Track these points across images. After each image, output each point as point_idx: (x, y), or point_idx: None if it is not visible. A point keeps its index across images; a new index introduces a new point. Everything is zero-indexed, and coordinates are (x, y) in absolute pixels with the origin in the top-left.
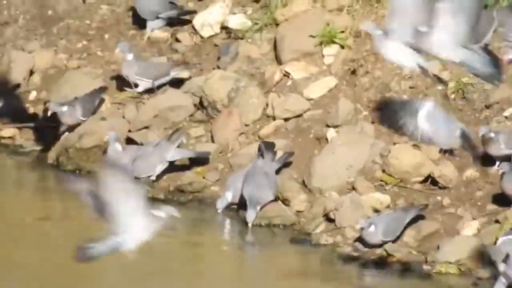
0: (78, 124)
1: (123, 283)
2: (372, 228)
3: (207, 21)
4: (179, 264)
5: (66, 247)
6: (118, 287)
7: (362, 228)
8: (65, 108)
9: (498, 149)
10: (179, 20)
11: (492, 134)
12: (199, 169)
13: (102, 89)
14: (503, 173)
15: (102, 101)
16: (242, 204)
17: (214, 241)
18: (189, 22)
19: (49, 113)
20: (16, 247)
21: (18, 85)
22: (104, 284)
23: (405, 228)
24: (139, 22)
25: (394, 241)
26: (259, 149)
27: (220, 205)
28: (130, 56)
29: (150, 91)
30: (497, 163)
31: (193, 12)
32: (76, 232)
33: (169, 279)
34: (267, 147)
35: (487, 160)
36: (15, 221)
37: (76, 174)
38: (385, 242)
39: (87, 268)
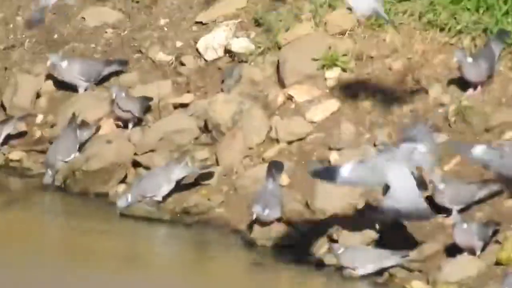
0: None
1: None
2: (441, 186)
3: (210, 45)
4: (186, 281)
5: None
6: None
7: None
8: (64, 64)
9: (442, 201)
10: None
11: (441, 186)
12: (204, 191)
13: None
14: (454, 224)
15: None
16: (249, 224)
17: (221, 261)
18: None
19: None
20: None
21: (25, 109)
22: None
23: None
24: (144, 46)
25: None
26: (269, 169)
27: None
28: (64, 63)
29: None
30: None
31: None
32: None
33: None
34: (277, 167)
35: None
36: (24, 240)
37: (83, 197)
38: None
39: None
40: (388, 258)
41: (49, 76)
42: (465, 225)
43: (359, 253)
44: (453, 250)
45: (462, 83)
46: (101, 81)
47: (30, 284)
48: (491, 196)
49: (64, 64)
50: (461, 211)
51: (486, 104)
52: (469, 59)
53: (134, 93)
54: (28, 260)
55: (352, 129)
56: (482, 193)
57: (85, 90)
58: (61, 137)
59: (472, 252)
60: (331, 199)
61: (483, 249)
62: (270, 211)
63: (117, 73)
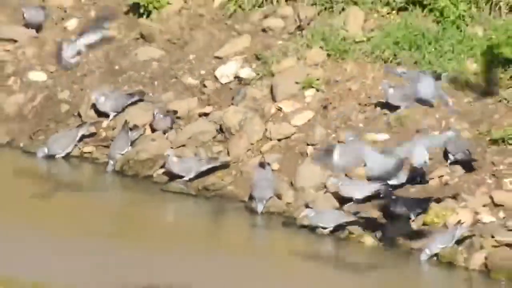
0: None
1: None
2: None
3: (225, 73)
4: (204, 240)
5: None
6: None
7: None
8: (102, 100)
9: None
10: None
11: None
12: (219, 174)
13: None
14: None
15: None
16: (252, 199)
17: (230, 223)
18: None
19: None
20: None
21: (94, 117)
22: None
23: None
24: (178, 74)
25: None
26: (260, 163)
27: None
28: (102, 99)
29: None
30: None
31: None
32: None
33: (195, 249)
34: (265, 161)
35: None
36: (92, 209)
37: (135, 178)
38: None
39: None
40: (345, 217)
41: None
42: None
43: (325, 215)
44: (394, 215)
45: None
46: (145, 97)
47: (95, 237)
48: None
49: (101, 99)
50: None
51: (417, 113)
52: (391, 90)
53: (171, 106)
54: (94, 222)
55: (323, 131)
56: None
57: (114, 117)
58: (118, 136)
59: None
60: (308, 179)
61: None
62: (265, 194)
63: (140, 101)
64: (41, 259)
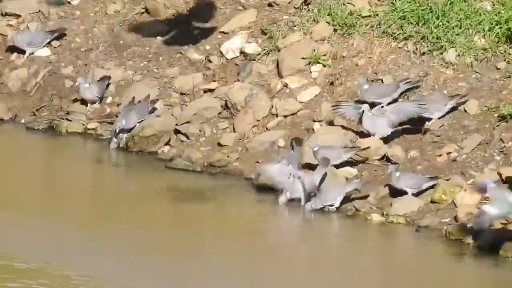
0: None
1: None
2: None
3: (230, 48)
4: (209, 212)
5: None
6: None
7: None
8: (86, 85)
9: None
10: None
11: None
12: (225, 150)
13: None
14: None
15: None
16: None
17: (235, 198)
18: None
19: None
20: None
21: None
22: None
23: None
24: (182, 48)
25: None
26: (291, 143)
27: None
28: (86, 85)
29: None
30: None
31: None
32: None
33: (202, 219)
34: (297, 141)
35: None
36: (97, 182)
37: (139, 154)
38: None
39: None
40: (347, 185)
41: (116, 70)
42: (398, 174)
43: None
44: (399, 193)
45: None
46: (150, 73)
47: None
48: None
49: (85, 85)
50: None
51: (424, 90)
52: (366, 86)
53: (175, 83)
54: (97, 195)
55: (329, 107)
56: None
57: (94, 103)
58: (123, 112)
59: (405, 193)
60: (312, 156)
61: (418, 194)
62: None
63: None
64: (45, 238)
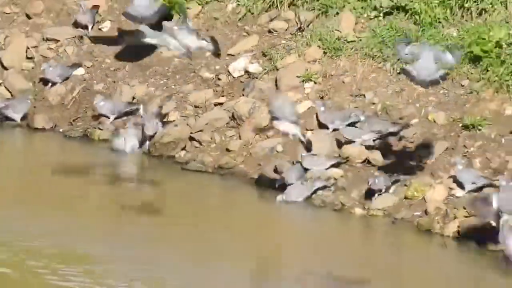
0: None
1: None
2: None
3: (236, 68)
4: (219, 204)
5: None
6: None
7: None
8: (102, 103)
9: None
10: None
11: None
12: (231, 155)
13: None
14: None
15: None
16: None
17: (240, 195)
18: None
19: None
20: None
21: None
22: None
23: None
24: (195, 68)
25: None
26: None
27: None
28: (101, 103)
29: None
30: None
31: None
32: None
33: (208, 215)
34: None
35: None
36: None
37: (159, 158)
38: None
39: None
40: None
41: (140, 86)
42: (322, 108)
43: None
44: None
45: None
46: (168, 89)
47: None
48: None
49: (101, 103)
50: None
51: (400, 104)
52: (322, 108)
53: (190, 97)
54: (130, 191)
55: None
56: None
57: (114, 119)
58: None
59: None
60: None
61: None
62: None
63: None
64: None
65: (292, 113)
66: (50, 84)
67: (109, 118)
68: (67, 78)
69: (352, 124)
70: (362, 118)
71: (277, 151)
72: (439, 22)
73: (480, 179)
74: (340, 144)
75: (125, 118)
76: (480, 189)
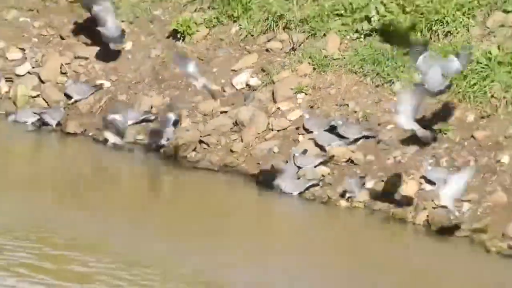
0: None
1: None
2: None
3: (239, 81)
4: (223, 196)
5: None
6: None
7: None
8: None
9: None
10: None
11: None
12: (235, 155)
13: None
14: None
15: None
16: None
17: (241, 189)
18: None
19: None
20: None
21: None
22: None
23: None
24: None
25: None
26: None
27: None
28: (119, 116)
29: None
30: None
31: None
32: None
33: (209, 212)
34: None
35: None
36: (142, 179)
37: (173, 158)
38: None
39: None
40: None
41: (157, 97)
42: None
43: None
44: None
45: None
46: (181, 99)
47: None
48: None
49: (118, 117)
50: None
51: (378, 112)
52: (307, 116)
53: (200, 106)
54: (154, 187)
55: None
56: None
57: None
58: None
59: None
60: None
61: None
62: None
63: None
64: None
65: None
66: (73, 99)
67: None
68: (85, 95)
69: (332, 129)
70: (340, 123)
71: (274, 152)
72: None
73: (446, 176)
74: (320, 147)
75: (143, 124)
76: (445, 183)
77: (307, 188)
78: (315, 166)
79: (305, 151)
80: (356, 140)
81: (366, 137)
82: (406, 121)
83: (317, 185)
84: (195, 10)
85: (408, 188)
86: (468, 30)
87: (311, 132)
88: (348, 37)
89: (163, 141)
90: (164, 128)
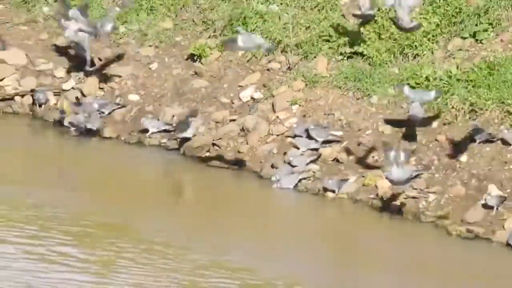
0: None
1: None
2: None
3: (245, 95)
4: (229, 190)
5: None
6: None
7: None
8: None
9: None
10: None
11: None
12: (241, 155)
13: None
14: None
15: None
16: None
17: (246, 183)
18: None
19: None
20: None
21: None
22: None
23: None
24: (217, 96)
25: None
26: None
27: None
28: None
29: None
30: None
31: None
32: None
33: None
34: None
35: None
36: (160, 177)
37: (191, 157)
38: None
39: None
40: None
41: (178, 108)
42: (329, 182)
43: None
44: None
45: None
46: (198, 110)
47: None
48: None
49: (146, 121)
50: None
51: (359, 120)
52: (295, 123)
53: (212, 116)
54: (159, 187)
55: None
56: None
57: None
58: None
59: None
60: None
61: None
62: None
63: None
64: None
65: None
66: (97, 112)
67: (149, 131)
68: (105, 110)
69: (309, 133)
70: (311, 127)
71: (273, 153)
72: (386, 63)
73: (413, 172)
74: (298, 149)
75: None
76: (415, 177)
77: (300, 181)
78: (306, 164)
79: (299, 152)
80: (325, 142)
81: (334, 141)
82: None
83: (309, 179)
84: (209, 37)
85: (383, 182)
86: (432, 53)
87: (300, 136)
88: (334, 58)
89: (188, 134)
90: (188, 125)
